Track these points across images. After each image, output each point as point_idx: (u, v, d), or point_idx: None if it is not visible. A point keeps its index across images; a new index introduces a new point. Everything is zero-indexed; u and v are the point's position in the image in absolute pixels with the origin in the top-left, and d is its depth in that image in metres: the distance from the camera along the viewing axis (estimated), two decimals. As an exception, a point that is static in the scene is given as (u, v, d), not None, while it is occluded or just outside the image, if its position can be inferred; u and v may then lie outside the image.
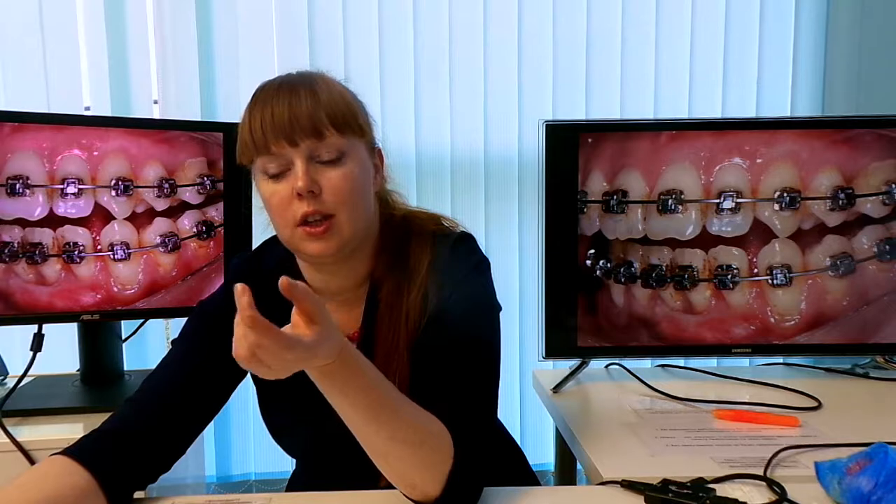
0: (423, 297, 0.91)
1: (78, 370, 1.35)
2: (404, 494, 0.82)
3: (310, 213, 0.84)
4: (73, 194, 1.22)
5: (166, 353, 0.95)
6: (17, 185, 1.19)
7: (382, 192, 0.98)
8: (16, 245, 1.20)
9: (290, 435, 1.02)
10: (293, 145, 0.84)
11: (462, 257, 0.93)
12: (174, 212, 1.30)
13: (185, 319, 0.99)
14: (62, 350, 1.42)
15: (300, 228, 0.85)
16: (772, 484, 0.88)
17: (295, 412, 0.97)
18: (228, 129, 1.32)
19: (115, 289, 1.27)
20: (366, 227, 0.91)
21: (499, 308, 0.94)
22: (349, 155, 0.87)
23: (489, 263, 0.96)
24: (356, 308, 0.95)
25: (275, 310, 0.97)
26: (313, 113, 0.84)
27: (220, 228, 1.34)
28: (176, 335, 0.98)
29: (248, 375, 1.01)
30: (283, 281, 0.67)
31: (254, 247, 1.12)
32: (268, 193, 0.87)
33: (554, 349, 1.32)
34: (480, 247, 0.97)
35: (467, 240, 0.96)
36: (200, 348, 0.94)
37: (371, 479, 0.90)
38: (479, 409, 0.85)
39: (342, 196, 0.86)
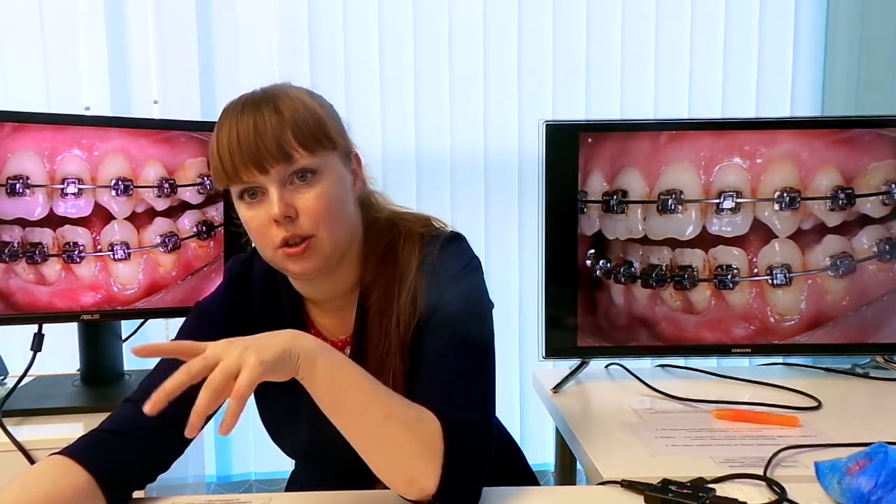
0: (414, 300, 0.90)
1: (78, 370, 1.35)
2: (403, 497, 0.81)
3: (289, 238, 0.85)
4: (73, 194, 1.22)
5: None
6: (17, 185, 1.19)
7: (364, 195, 0.97)
8: (16, 245, 1.20)
9: (288, 435, 1.02)
10: (263, 173, 0.83)
11: (452, 257, 0.93)
12: (174, 212, 1.30)
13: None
14: (62, 350, 1.42)
15: (281, 250, 0.85)
16: (772, 484, 0.88)
17: (291, 413, 0.97)
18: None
19: (115, 289, 1.27)
20: (348, 236, 0.91)
21: (491, 305, 0.94)
22: (322, 172, 0.86)
23: (480, 262, 0.95)
24: (347, 313, 0.95)
25: (265, 313, 0.97)
26: (279, 135, 0.83)
27: (219, 228, 1.34)
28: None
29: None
30: (134, 350, 0.73)
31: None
32: (246, 218, 0.87)
33: (554, 349, 1.32)
34: (471, 247, 0.97)
35: (457, 240, 0.96)
36: (199, 349, 0.93)
37: (369, 478, 0.90)
38: (474, 407, 0.84)
39: (319, 216, 0.85)
